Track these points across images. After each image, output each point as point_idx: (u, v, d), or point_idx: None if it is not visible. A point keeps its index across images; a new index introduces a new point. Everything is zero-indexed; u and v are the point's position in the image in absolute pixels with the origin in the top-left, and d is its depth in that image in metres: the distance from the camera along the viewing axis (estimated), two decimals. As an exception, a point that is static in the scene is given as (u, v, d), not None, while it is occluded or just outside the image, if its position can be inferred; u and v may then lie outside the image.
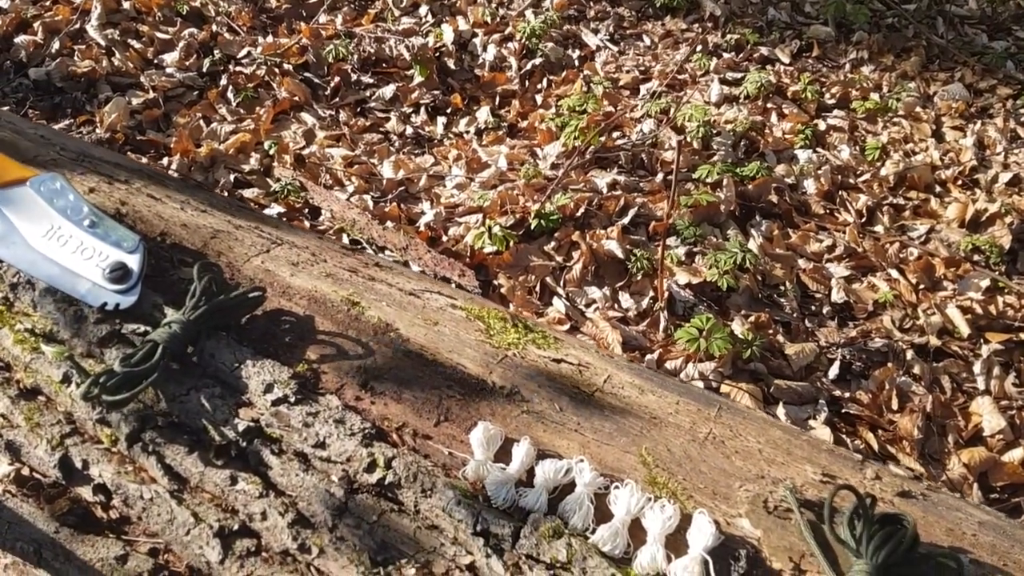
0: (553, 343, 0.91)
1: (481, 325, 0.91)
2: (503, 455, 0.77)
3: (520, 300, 1.77)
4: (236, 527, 0.75)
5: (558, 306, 1.78)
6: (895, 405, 1.74)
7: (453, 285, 1.65)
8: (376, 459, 0.76)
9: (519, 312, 1.47)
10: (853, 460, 0.84)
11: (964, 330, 1.85)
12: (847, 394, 1.76)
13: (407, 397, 0.82)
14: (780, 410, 1.69)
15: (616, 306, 1.82)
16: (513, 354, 0.87)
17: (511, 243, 1.84)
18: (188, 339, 0.83)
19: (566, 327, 1.74)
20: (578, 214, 1.96)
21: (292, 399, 0.79)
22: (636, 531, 0.73)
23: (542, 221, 1.90)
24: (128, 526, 0.80)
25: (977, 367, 1.81)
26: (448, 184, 2.07)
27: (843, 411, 1.74)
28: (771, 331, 1.82)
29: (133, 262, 0.87)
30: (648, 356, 1.73)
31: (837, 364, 1.79)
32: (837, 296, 1.93)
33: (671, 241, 1.94)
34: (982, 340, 1.85)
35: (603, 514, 0.74)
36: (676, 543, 0.72)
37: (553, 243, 1.90)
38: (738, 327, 1.79)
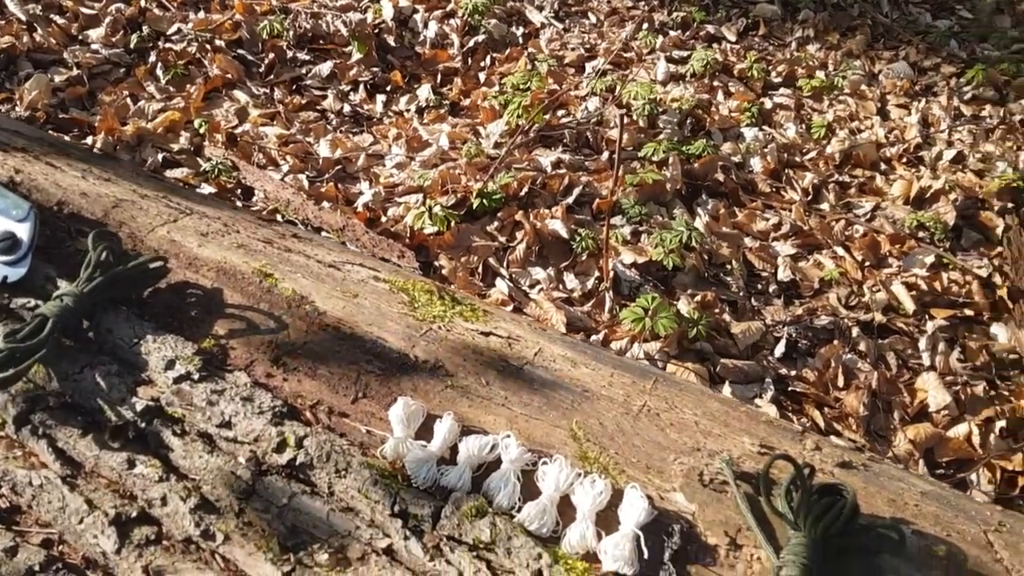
0: (482, 316, 0.86)
1: (405, 298, 0.86)
2: (425, 432, 0.72)
3: (462, 281, 1.72)
4: (134, 514, 0.69)
5: (501, 287, 1.73)
6: (841, 382, 1.72)
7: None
8: (286, 438, 0.70)
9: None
10: (793, 431, 0.81)
11: (909, 306, 1.85)
12: (793, 372, 1.74)
13: (322, 373, 0.76)
14: (726, 389, 1.67)
15: (561, 287, 1.78)
16: (438, 327, 0.82)
17: (452, 223, 1.79)
18: (82, 313, 0.76)
19: (509, 308, 1.69)
20: (522, 193, 1.91)
21: (196, 376, 0.73)
22: (566, 508, 0.69)
23: (484, 201, 1.85)
24: (18, 516, 0.74)
25: (922, 343, 1.80)
26: (387, 163, 2.00)
27: (789, 389, 1.72)
28: (717, 310, 1.80)
29: (23, 232, 0.80)
30: (593, 337, 1.70)
31: (783, 342, 1.77)
32: (783, 274, 1.91)
33: (617, 220, 1.90)
34: (927, 316, 1.85)
35: (531, 491, 0.69)
36: (608, 519, 0.68)
37: (496, 223, 1.85)
38: (684, 306, 1.76)
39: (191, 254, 0.85)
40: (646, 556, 0.65)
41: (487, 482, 0.69)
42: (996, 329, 1.86)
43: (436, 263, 1.76)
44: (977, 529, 0.72)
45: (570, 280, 1.78)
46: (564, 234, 1.82)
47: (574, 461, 0.72)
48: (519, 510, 0.68)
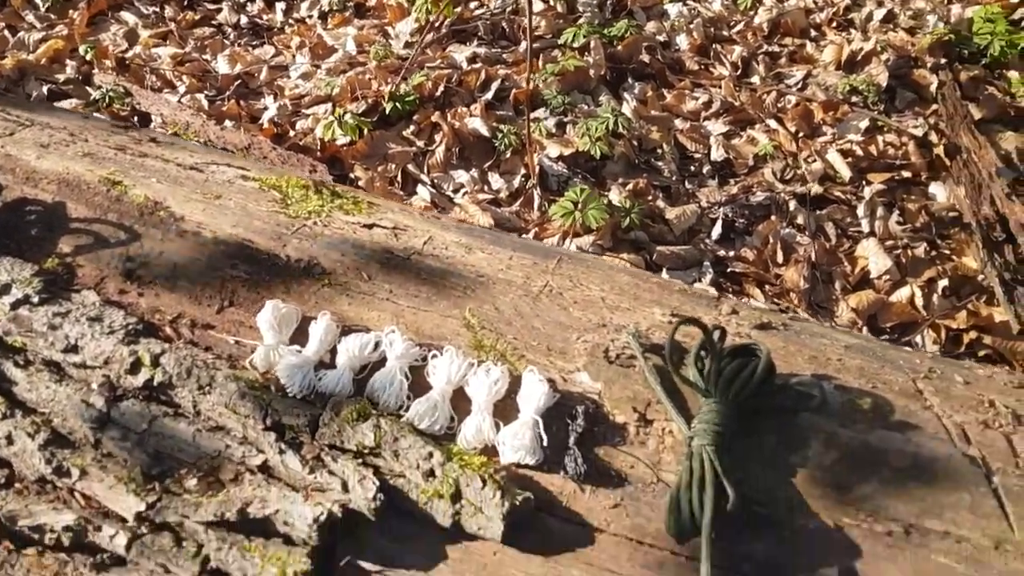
0: (366, 208, 0.78)
1: (276, 195, 0.77)
2: (302, 337, 0.65)
3: (381, 191, 1.63)
4: (-21, 459, 0.62)
5: (423, 194, 1.64)
6: (780, 258, 1.68)
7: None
8: (140, 358, 0.63)
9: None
10: (708, 297, 0.75)
11: (845, 174, 1.79)
12: (732, 253, 1.69)
13: (183, 284, 0.68)
14: (664, 276, 1.61)
15: (486, 188, 1.69)
16: (313, 223, 0.74)
17: (365, 131, 1.69)
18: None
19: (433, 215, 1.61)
20: (437, 93, 1.81)
21: (35, 300, 0.65)
22: (462, 402, 0.62)
23: (398, 104, 1.74)
24: None
25: (860, 210, 1.75)
26: (292, 74, 1.88)
27: (728, 270, 1.67)
28: (650, 197, 1.73)
29: None
30: (524, 236, 1.63)
31: (719, 223, 1.72)
32: (716, 154, 1.84)
33: (540, 113, 1.81)
34: (864, 182, 1.80)
35: (423, 389, 0.63)
36: (508, 409, 0.62)
37: (412, 127, 1.75)
38: (616, 196, 1.69)
39: (29, 168, 0.76)
40: (545, 443, 0.59)
41: (370, 383, 0.63)
42: (934, 188, 1.81)
43: (351, 175, 1.66)
44: (905, 378, 0.67)
45: (495, 180, 1.70)
46: (485, 132, 1.73)
47: (468, 351, 0.65)
48: (408, 409, 0.61)
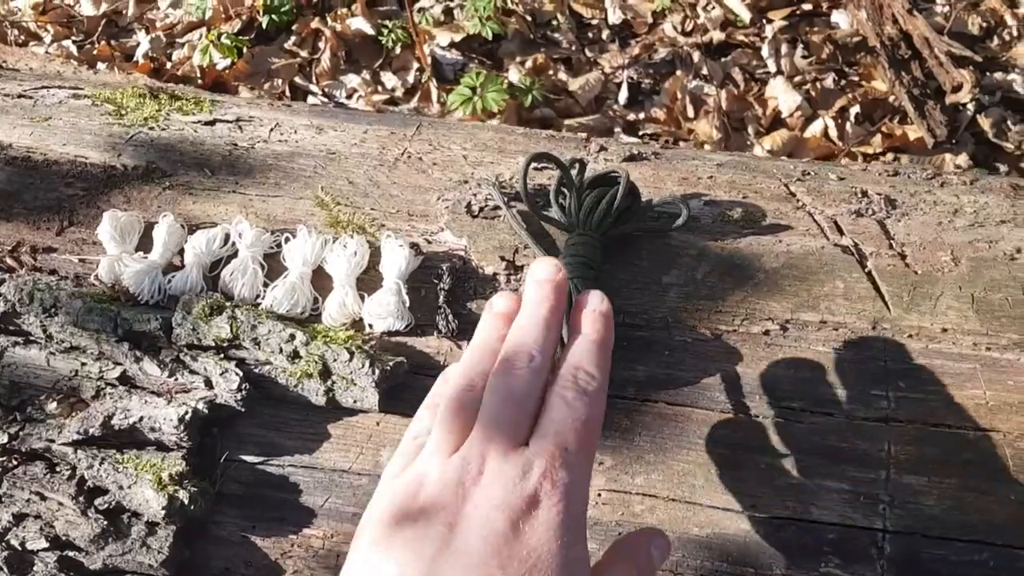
0: (208, 106, 0.74)
1: (110, 108, 0.73)
2: (150, 244, 0.62)
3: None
4: None
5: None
6: (691, 112, 1.65)
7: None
8: (-24, 292, 0.59)
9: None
10: (577, 140, 0.72)
11: (745, 16, 1.76)
12: (642, 115, 1.67)
13: (18, 212, 0.64)
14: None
15: (380, 88, 1.64)
16: (150, 128, 0.70)
17: (244, 50, 1.61)
18: None
19: (328, 124, 1.56)
20: (315, -1, 1.73)
21: None
22: (328, 281, 0.60)
23: (274, 16, 1.66)
24: None
25: (765, 50, 1.73)
26: (161, 5, 1.79)
27: (641, 134, 1.65)
28: (551, 71, 1.69)
29: None
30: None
31: (625, 87, 1.68)
32: (614, 16, 1.79)
33: (425, 2, 1.74)
34: (765, 21, 1.76)
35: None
36: (375, 281, 0.59)
37: (293, 38, 1.68)
38: (515, 75, 1.64)
39: None
40: (407, 304, 0.57)
41: (222, 276, 0.60)
42: (836, 17, 1.79)
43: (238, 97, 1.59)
44: (777, 184, 0.65)
45: (388, 79, 1.64)
46: (370, 31, 1.66)
47: (324, 230, 0.62)
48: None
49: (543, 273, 0.46)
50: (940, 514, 0.51)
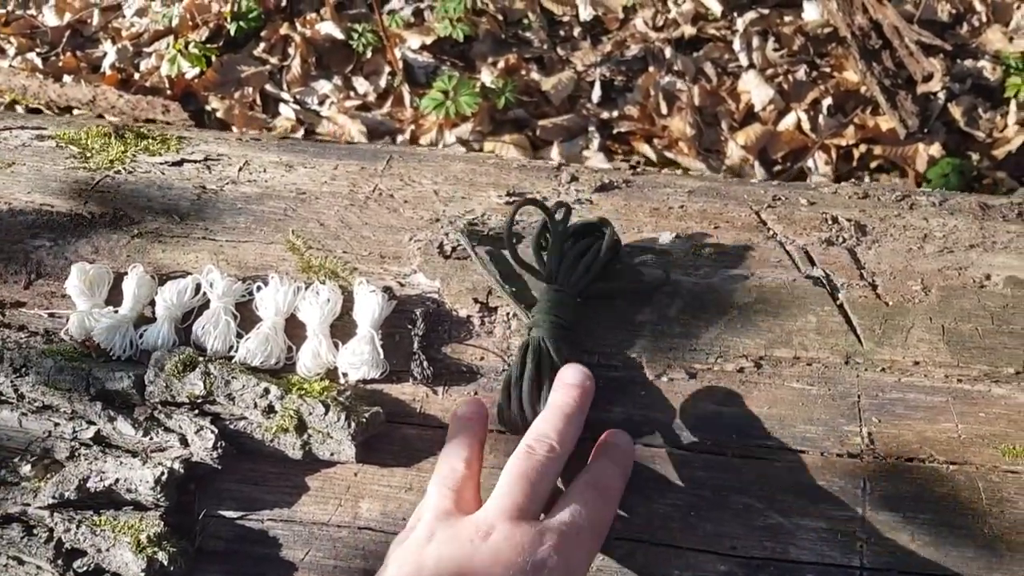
0: (175, 144, 0.73)
1: (75, 150, 0.72)
2: (120, 296, 0.61)
3: (242, 119, 1.55)
4: None
5: (287, 113, 1.57)
6: (664, 109, 1.65)
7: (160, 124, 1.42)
8: (-56, 354, 0.58)
9: (242, 130, 1.27)
10: (548, 168, 0.72)
11: (716, 9, 1.75)
12: (616, 113, 1.66)
13: (-16, 265, 0.64)
14: (554, 151, 1.58)
15: (352, 94, 1.62)
16: (116, 172, 0.69)
17: (213, 59, 1.59)
18: None
19: (300, 133, 1.55)
20: (282, 3, 1.71)
21: None
22: (302, 330, 0.59)
23: (242, 23, 1.64)
24: None
25: (736, 44, 1.73)
26: (127, 13, 1.76)
27: (616, 132, 1.65)
28: (523, 71, 1.68)
29: None
30: (400, 137, 1.57)
31: (598, 85, 1.68)
32: (585, 13, 1.78)
33: (394, 4, 1.73)
34: (735, 14, 1.76)
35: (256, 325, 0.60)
36: (348, 327, 0.59)
37: (262, 45, 1.66)
38: (487, 77, 1.63)
39: None
40: (382, 355, 0.57)
41: (194, 329, 0.59)
42: (806, 7, 1.79)
43: (208, 107, 1.58)
44: (748, 212, 0.66)
45: (360, 84, 1.62)
46: (340, 35, 1.64)
47: (296, 275, 0.62)
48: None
49: (572, 379, 0.52)
50: (916, 550, 0.51)
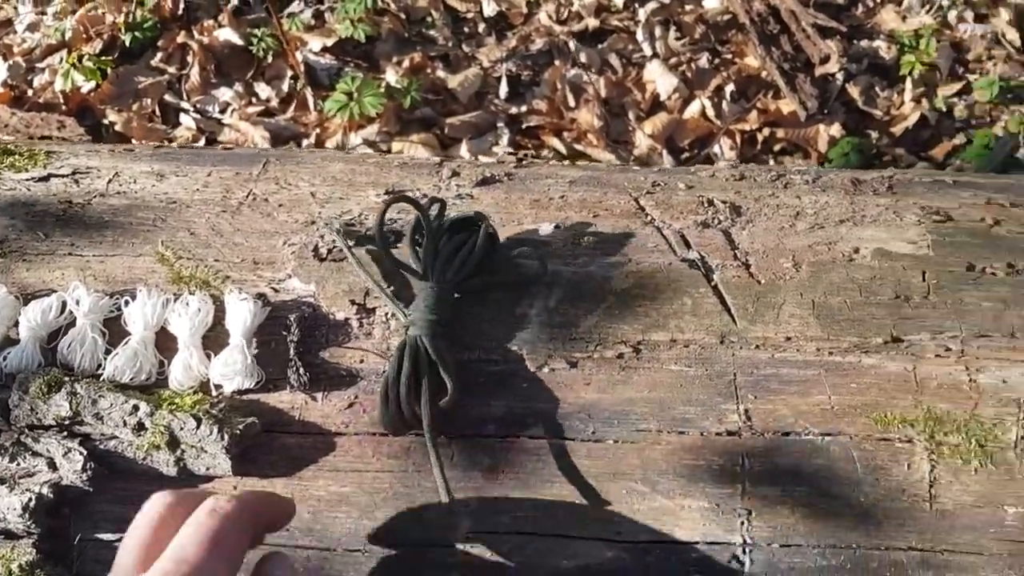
0: (43, 159, 0.70)
1: (-67, 172, 0.68)
2: (-17, 322, 0.58)
3: (141, 131, 1.51)
4: None
5: (187, 123, 1.53)
6: (572, 102, 1.66)
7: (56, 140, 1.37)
8: None
9: (141, 142, 1.24)
10: (430, 164, 0.71)
11: (618, 0, 1.77)
12: (524, 108, 1.66)
13: None
14: (463, 149, 1.58)
15: (254, 100, 1.59)
16: (-23, 190, 0.66)
17: (108, 71, 1.55)
18: None
19: (202, 142, 1.51)
20: (179, 11, 1.66)
21: None
22: (173, 343, 0.58)
23: (137, 34, 1.60)
24: None
25: (639, 34, 1.74)
26: (18, 28, 1.70)
27: (525, 127, 1.65)
28: (429, 70, 1.67)
29: None
30: (306, 141, 1.55)
31: (505, 81, 1.68)
32: (489, 9, 1.78)
33: (294, 7, 1.70)
34: (637, 4, 1.78)
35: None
36: (223, 337, 0.57)
37: (160, 54, 1.62)
38: (392, 76, 1.62)
39: None
40: (255, 364, 0.55)
41: (60, 348, 0.57)
42: (706, -4, 1.81)
43: (106, 120, 1.53)
44: (627, 199, 0.66)
45: (262, 89, 1.60)
46: (239, 41, 1.61)
47: (166, 287, 0.60)
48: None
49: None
50: (796, 522, 0.52)
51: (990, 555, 0.51)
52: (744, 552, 0.52)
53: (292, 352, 0.57)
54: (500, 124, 1.61)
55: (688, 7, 1.76)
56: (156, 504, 0.46)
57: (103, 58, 1.55)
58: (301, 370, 0.56)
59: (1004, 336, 0.56)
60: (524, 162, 0.72)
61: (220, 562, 0.43)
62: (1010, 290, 0.58)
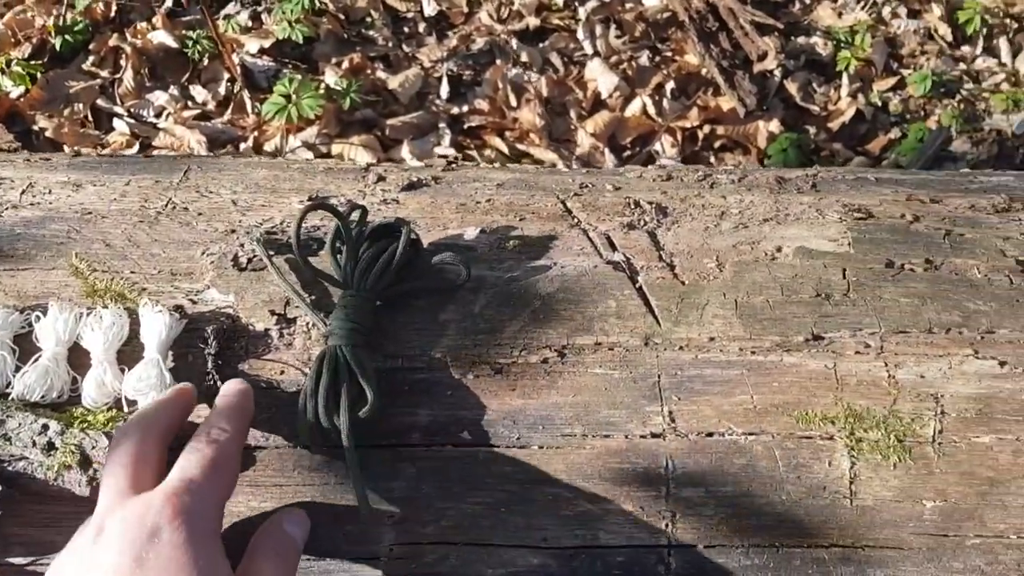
0: (-48, 171, 0.68)
1: None
2: None
3: (73, 136, 1.48)
4: None
5: (121, 128, 1.50)
6: (513, 101, 1.65)
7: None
8: None
9: (74, 148, 1.21)
10: (356, 170, 0.70)
11: (558, -1, 1.76)
12: (465, 108, 1.66)
13: None
14: (404, 150, 1.56)
15: (190, 103, 1.56)
16: None
17: (38, 75, 1.51)
18: None
19: (135, 148, 1.48)
20: (111, 14, 1.63)
21: None
22: (87, 358, 0.56)
23: (67, 37, 1.56)
24: None
25: (580, 32, 1.74)
26: (-59, 32, 1.65)
27: (467, 127, 1.64)
28: (369, 71, 1.65)
29: None
30: (244, 145, 1.52)
31: (445, 81, 1.67)
32: (429, 8, 1.77)
33: (230, 8, 1.67)
34: (577, 3, 1.78)
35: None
36: (139, 352, 0.56)
37: (91, 58, 1.58)
38: (331, 78, 1.60)
39: None
40: (169, 378, 0.54)
41: (-34, 368, 0.55)
42: (646, -6, 1.82)
43: (36, 127, 1.49)
44: (554, 201, 0.65)
45: (198, 92, 1.57)
46: (173, 44, 1.58)
47: (80, 301, 0.58)
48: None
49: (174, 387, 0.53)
50: (719, 523, 0.52)
51: (909, 549, 0.52)
52: (669, 554, 0.52)
53: (210, 365, 0.55)
54: (442, 125, 1.60)
55: (628, 5, 1.77)
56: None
57: (32, 62, 1.50)
58: (218, 383, 0.55)
59: (922, 332, 0.57)
60: (454, 165, 0.71)
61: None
62: (927, 286, 0.59)
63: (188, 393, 0.52)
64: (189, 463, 0.46)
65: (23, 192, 0.66)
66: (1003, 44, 1.76)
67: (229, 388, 0.52)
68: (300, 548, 0.49)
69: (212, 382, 0.55)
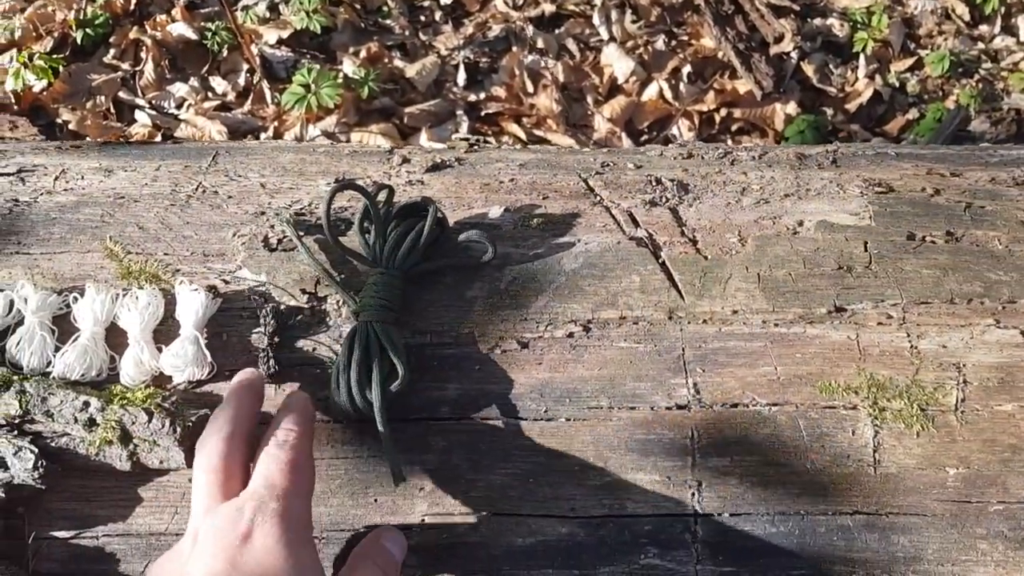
0: (-14, 159, 0.70)
1: None
2: (-72, 320, 0.58)
3: (96, 129, 1.49)
4: None
5: (143, 120, 1.52)
6: (530, 88, 1.66)
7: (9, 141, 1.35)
8: None
9: (96, 140, 1.22)
10: (380, 152, 0.71)
11: (574, -15, 1.77)
12: (483, 95, 1.66)
13: None
14: (422, 137, 1.57)
15: (211, 94, 1.58)
16: (-81, 191, 0.66)
17: (60, 69, 1.53)
18: None
19: (159, 138, 1.50)
20: (131, 7, 1.64)
21: None
22: (123, 338, 0.57)
23: (88, 30, 1.58)
24: None
25: (596, 18, 1.75)
26: (-36, 28, 1.67)
27: (484, 114, 1.65)
28: (386, 59, 1.66)
29: None
30: (264, 135, 1.54)
31: (462, 68, 1.67)
32: (445, -3, 1.77)
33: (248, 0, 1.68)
34: (594, -12, 1.78)
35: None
36: (173, 331, 0.57)
37: (112, 51, 1.60)
38: (349, 67, 1.61)
39: None
40: (207, 354, 0.56)
41: (7, 348, 0.57)
42: (661, -21, 1.81)
43: (60, 120, 1.51)
44: (577, 180, 0.66)
45: (218, 84, 1.58)
46: (193, 35, 1.60)
47: (116, 282, 0.60)
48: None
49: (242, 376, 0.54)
50: (744, 491, 0.53)
51: (933, 516, 0.52)
52: (695, 522, 0.53)
53: (266, 343, 0.56)
54: (459, 112, 1.61)
55: (644, -11, 1.77)
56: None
57: (54, 56, 1.52)
58: (271, 361, 0.56)
59: (943, 302, 0.57)
60: (475, 147, 0.72)
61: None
62: (949, 257, 0.59)
63: (256, 380, 0.53)
64: (270, 469, 0.47)
65: (56, 178, 0.67)
66: (1022, 23, 1.75)
67: (290, 394, 0.54)
68: (399, 567, 0.51)
69: (268, 361, 0.56)
